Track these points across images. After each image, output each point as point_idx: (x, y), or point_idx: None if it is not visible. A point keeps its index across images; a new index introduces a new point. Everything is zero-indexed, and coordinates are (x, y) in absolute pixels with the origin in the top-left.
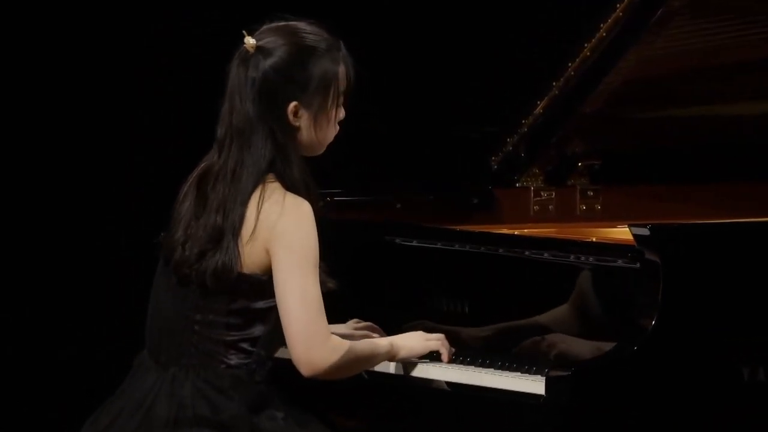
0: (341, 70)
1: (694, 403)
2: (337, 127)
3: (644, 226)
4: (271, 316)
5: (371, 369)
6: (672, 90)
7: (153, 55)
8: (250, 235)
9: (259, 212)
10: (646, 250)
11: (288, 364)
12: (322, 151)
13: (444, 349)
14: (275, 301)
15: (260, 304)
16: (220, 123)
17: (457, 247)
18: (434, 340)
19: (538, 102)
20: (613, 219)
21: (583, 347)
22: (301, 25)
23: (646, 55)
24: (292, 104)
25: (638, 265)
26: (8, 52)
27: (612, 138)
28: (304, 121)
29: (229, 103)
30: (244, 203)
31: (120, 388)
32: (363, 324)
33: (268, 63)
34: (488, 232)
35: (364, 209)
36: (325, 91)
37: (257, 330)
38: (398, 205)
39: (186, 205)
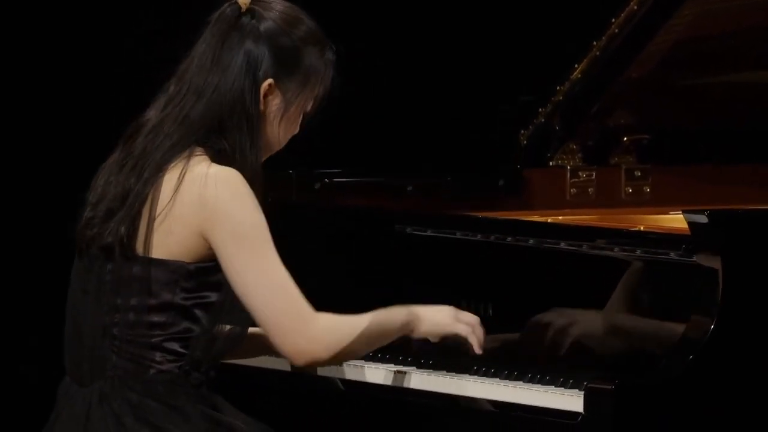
0: (325, 73)
1: (762, 425)
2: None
3: (701, 212)
4: (200, 316)
5: (361, 380)
6: (733, 53)
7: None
8: (165, 213)
9: (178, 187)
10: (704, 241)
11: (249, 372)
12: (272, 152)
13: (475, 338)
14: (209, 298)
15: (182, 300)
16: (175, 80)
17: (479, 237)
18: (465, 324)
19: (576, 65)
20: (665, 204)
21: (628, 356)
22: (304, 13)
23: (704, 10)
24: (268, 81)
25: (694, 258)
26: None
27: (662, 109)
28: (273, 107)
29: (197, 61)
30: (160, 168)
31: (46, 427)
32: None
33: (259, 26)
34: (517, 220)
35: (369, 193)
36: (305, 81)
37: (185, 329)
38: (410, 188)
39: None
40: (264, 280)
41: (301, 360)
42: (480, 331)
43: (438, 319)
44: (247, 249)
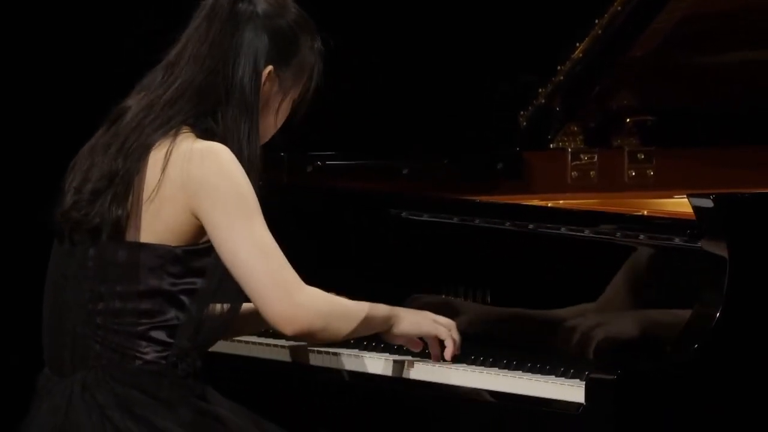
0: (316, 63)
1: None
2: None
3: (707, 196)
4: (187, 303)
5: (355, 369)
6: (740, 32)
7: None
8: (154, 195)
9: (165, 166)
10: (710, 226)
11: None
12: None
13: (451, 341)
14: (195, 284)
15: (169, 285)
16: (164, 65)
17: (477, 222)
18: (443, 326)
19: (578, 44)
20: (669, 188)
21: (631, 345)
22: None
23: None
24: (269, 68)
25: (699, 244)
26: None
27: (667, 89)
28: (272, 94)
29: (191, 48)
30: (148, 148)
31: (24, 422)
32: None
33: (257, 10)
34: (516, 204)
35: (364, 176)
36: (300, 70)
37: (172, 318)
38: (405, 171)
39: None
40: (251, 247)
41: (289, 327)
42: (457, 335)
43: (418, 318)
44: (234, 217)
